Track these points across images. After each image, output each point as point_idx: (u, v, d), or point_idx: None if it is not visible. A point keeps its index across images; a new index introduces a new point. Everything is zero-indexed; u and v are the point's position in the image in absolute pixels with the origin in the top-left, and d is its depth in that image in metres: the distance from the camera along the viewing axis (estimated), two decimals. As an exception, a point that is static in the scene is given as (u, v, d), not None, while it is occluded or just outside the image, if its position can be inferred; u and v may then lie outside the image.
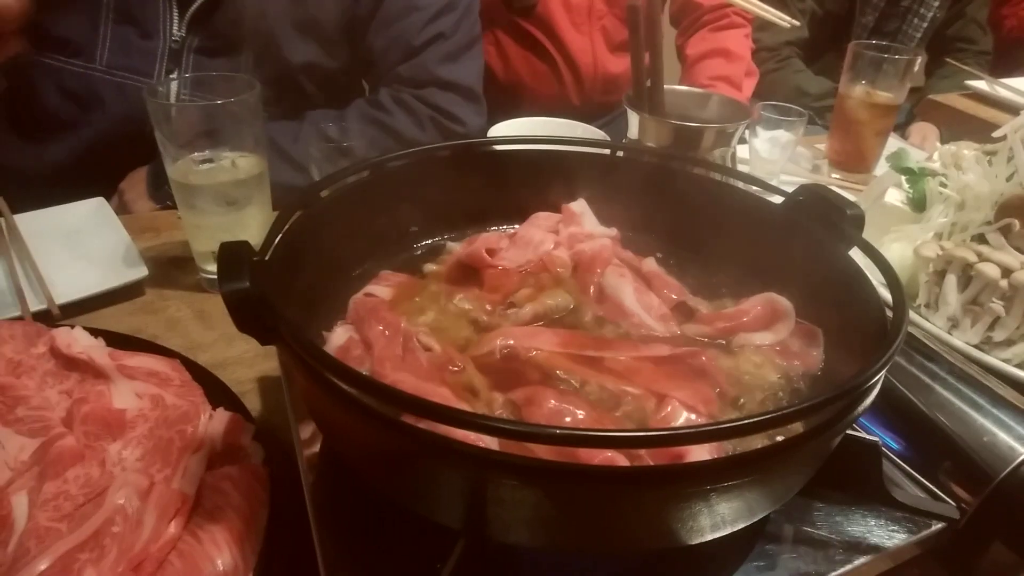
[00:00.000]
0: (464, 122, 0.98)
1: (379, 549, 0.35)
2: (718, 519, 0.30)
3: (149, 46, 0.85)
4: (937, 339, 0.60)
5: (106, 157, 0.87)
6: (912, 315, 0.63)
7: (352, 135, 0.73)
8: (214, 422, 0.44)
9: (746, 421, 0.27)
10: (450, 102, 0.96)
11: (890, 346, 0.32)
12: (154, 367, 0.49)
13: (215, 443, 0.43)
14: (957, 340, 0.61)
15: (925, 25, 1.62)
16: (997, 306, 0.59)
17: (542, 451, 0.29)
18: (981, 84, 1.31)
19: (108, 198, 0.81)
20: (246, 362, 0.59)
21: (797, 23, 0.95)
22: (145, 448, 0.44)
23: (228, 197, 0.63)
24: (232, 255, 0.33)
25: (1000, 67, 1.66)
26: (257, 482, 0.41)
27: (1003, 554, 0.41)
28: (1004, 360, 0.59)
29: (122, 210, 0.85)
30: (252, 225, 0.66)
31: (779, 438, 0.32)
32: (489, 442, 0.29)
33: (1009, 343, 0.60)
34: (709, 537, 0.31)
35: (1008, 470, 0.40)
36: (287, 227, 0.40)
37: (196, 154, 0.62)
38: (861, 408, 0.32)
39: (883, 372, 0.31)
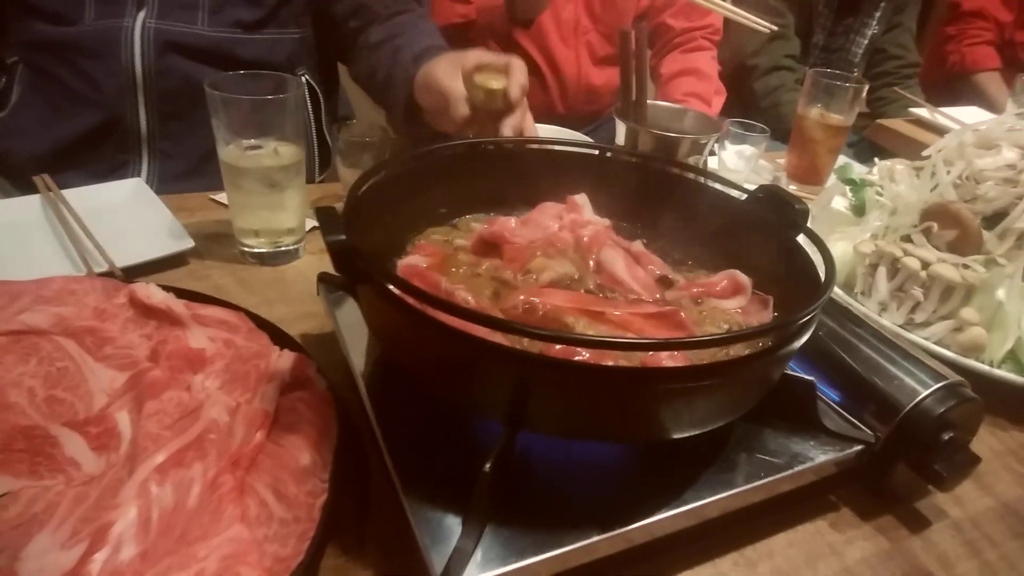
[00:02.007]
0: None
1: (433, 444, 0.45)
2: (692, 417, 0.41)
3: None
4: (870, 319, 0.72)
5: (109, 114, 0.95)
6: (850, 299, 0.76)
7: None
8: (282, 359, 0.54)
9: (705, 338, 0.38)
10: None
11: (822, 295, 0.43)
12: (223, 316, 0.59)
13: (284, 375, 0.53)
14: (886, 321, 0.73)
15: (866, 42, 1.81)
16: (918, 292, 0.72)
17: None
18: (923, 112, 1.46)
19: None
20: (287, 323, 0.67)
21: (774, 28, 1.08)
22: (224, 379, 0.53)
23: (271, 180, 0.72)
24: (330, 217, 0.42)
25: (943, 98, 1.83)
26: (325, 402, 0.50)
27: (905, 473, 0.53)
28: (924, 338, 0.71)
29: None
30: (290, 206, 0.75)
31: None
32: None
33: (927, 324, 0.72)
34: (688, 433, 0.42)
35: (911, 405, 0.51)
36: (354, 202, 0.49)
37: (245, 141, 0.71)
38: (795, 343, 0.43)
39: (814, 312, 0.42)
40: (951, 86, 2.12)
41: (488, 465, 0.40)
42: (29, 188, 0.82)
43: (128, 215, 0.80)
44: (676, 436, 0.42)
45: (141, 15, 0.93)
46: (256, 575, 0.38)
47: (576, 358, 0.40)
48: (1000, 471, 0.62)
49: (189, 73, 0.95)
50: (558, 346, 0.40)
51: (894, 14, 1.86)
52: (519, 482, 0.44)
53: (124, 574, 0.39)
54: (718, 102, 1.44)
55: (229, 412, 0.49)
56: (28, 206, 0.80)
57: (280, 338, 0.57)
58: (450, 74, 0.78)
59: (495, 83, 0.72)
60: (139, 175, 0.97)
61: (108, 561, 0.39)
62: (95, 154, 0.98)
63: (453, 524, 0.41)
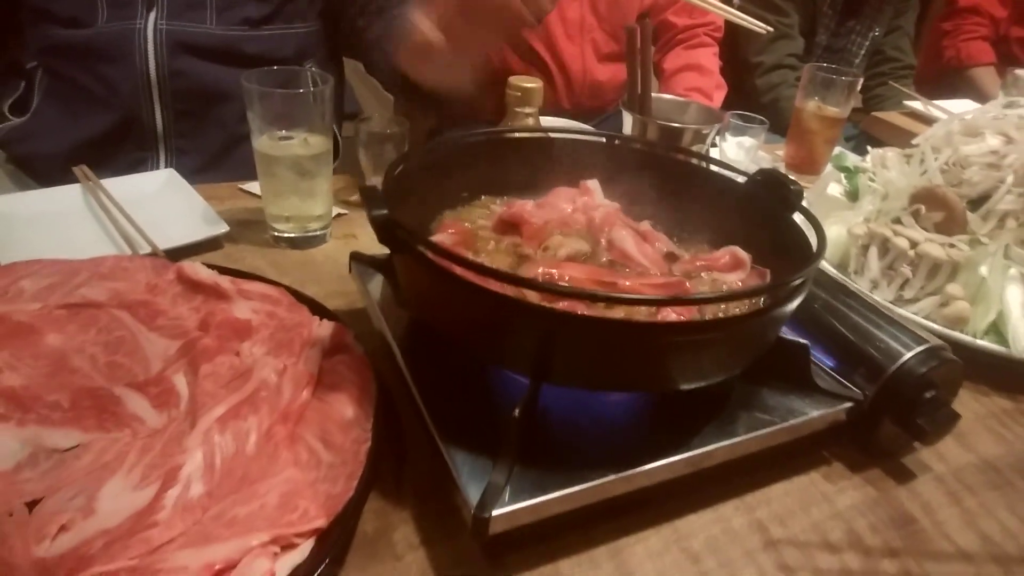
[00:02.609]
0: None
1: (464, 398, 0.51)
2: (697, 369, 0.47)
3: None
4: (861, 293, 0.77)
5: (126, 114, 1.00)
6: (844, 278, 0.81)
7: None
8: (322, 328, 0.59)
9: (706, 295, 0.43)
10: None
11: (814, 262, 0.48)
12: (265, 291, 0.64)
13: (325, 341, 0.58)
14: (878, 297, 0.78)
15: (867, 44, 1.87)
16: (906, 270, 0.77)
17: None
18: (917, 104, 1.51)
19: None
20: (318, 300, 0.73)
21: (770, 29, 1.13)
22: (270, 346, 0.58)
23: (301, 168, 0.77)
24: (374, 193, 0.47)
25: (938, 91, 1.88)
26: (363, 364, 0.56)
27: (891, 428, 0.58)
28: (913, 312, 0.76)
29: None
30: (319, 193, 0.80)
31: (739, 323, 0.48)
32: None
33: (915, 300, 0.77)
34: (693, 384, 0.47)
35: (896, 366, 0.56)
36: (391, 181, 0.54)
37: (277, 132, 0.76)
38: (789, 304, 0.48)
39: (807, 276, 0.47)
40: (948, 81, 2.17)
41: (517, 411, 0.45)
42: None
43: (163, 203, 0.85)
44: (683, 387, 0.47)
45: (152, 16, 0.98)
46: (313, 507, 0.43)
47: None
48: (981, 431, 0.67)
49: (201, 72, 1.00)
50: (581, 307, 0.45)
51: (894, 18, 1.91)
52: (542, 431, 0.49)
53: (194, 509, 0.44)
54: (719, 96, 1.49)
55: (277, 373, 0.54)
56: (69, 195, 0.85)
57: (318, 310, 0.62)
58: None
59: (529, 83, 0.78)
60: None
61: (179, 498, 0.45)
62: (114, 152, 1.02)
63: (485, 465, 0.46)
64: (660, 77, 1.56)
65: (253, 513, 0.43)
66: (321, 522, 0.43)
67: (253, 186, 0.93)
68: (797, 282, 0.47)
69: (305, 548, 0.42)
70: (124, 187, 0.86)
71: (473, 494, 0.43)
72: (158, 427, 0.52)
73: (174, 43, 0.99)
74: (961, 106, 1.51)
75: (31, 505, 0.45)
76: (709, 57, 1.52)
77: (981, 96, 1.93)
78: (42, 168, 1.03)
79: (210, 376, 0.54)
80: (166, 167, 1.03)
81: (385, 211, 0.46)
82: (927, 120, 1.46)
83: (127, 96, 0.99)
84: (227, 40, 1.02)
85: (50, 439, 0.50)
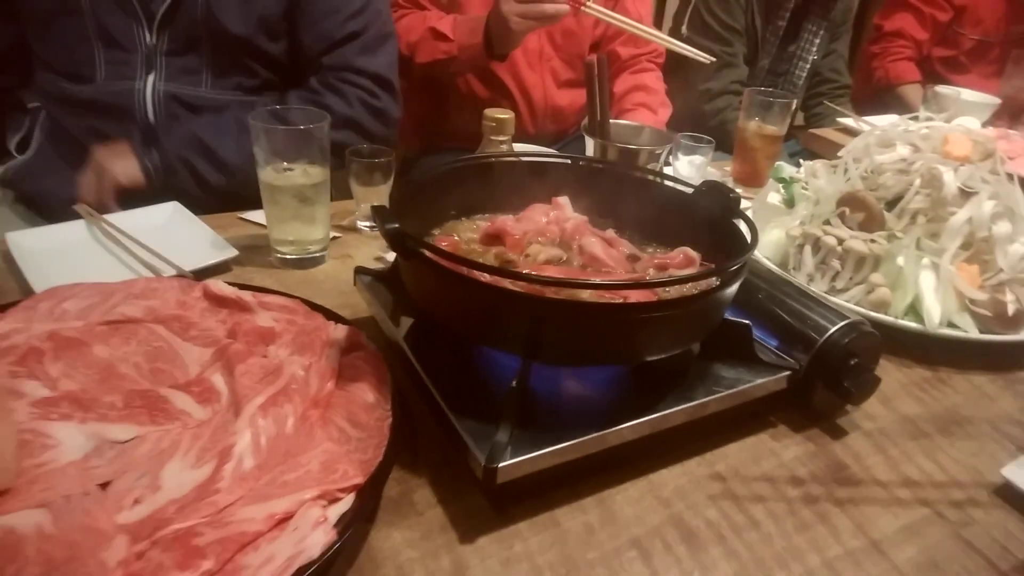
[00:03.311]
0: (384, 104, 1.19)
1: (466, 379, 0.60)
2: (660, 342, 0.57)
3: (131, 58, 1.09)
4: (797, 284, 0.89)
5: None
6: (784, 273, 0.92)
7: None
8: (338, 330, 0.68)
9: (662, 278, 0.53)
10: (370, 86, 1.17)
11: (746, 252, 0.59)
12: (282, 303, 0.73)
13: (342, 342, 0.67)
14: (814, 288, 0.90)
15: (808, 67, 2.04)
16: (836, 264, 0.89)
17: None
18: (849, 121, 1.67)
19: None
20: (324, 312, 0.82)
21: (713, 59, 1.27)
22: (293, 348, 0.67)
23: (302, 195, 0.87)
24: (385, 211, 0.57)
25: (873, 108, 2.05)
26: (378, 358, 0.65)
27: (823, 393, 0.69)
28: (844, 300, 0.88)
29: (95, 177, 1.02)
30: (319, 218, 0.89)
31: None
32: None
33: (846, 289, 0.89)
34: (657, 355, 0.58)
35: (823, 339, 0.68)
36: (395, 203, 0.64)
37: (280, 163, 0.86)
38: (732, 286, 0.59)
39: (743, 262, 0.58)
40: (879, 99, 2.35)
41: (514, 382, 0.55)
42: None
43: (172, 232, 0.93)
44: (648, 357, 0.58)
45: (151, 78, 1.08)
46: (351, 469, 0.52)
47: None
48: (904, 396, 0.78)
49: (197, 127, 1.10)
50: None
51: (830, 42, 2.09)
52: (534, 403, 0.59)
53: (248, 478, 0.53)
54: (664, 113, 1.64)
55: (304, 369, 0.63)
56: (75, 230, 0.92)
57: (331, 317, 0.71)
58: None
59: (502, 114, 0.89)
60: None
61: (235, 470, 0.53)
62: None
63: (489, 431, 0.55)
64: (611, 99, 1.70)
65: (300, 477, 0.52)
66: (359, 479, 0.52)
67: (252, 215, 1.02)
68: (736, 267, 0.58)
69: (348, 501, 0.51)
70: (132, 220, 0.94)
71: (482, 452, 0.53)
72: (204, 419, 0.60)
73: (171, 100, 1.08)
74: (887, 121, 1.66)
75: (103, 487, 0.53)
76: (653, 79, 1.68)
77: (909, 111, 2.11)
78: (49, 206, 1.10)
79: (245, 375, 0.63)
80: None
81: (397, 225, 0.56)
82: (858, 134, 1.61)
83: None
84: (220, 102, 1.11)
85: (111, 433, 0.58)
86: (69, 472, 0.54)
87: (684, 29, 2.01)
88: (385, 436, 0.56)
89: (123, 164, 1.02)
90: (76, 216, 0.93)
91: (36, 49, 1.07)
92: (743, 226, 0.69)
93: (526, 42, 1.56)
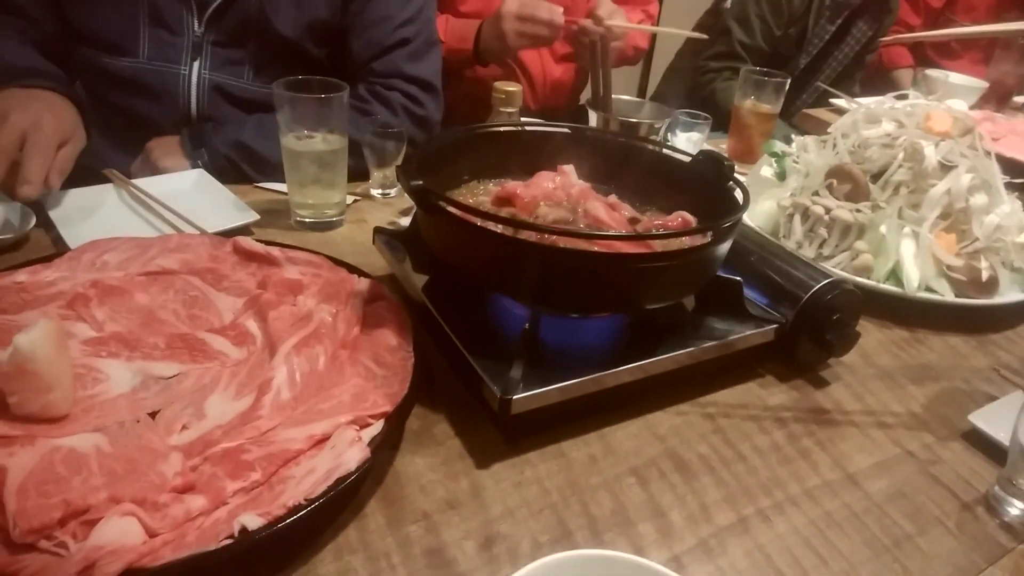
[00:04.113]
0: (427, 109, 1.23)
1: (481, 325, 0.66)
2: (658, 292, 0.63)
3: (177, 41, 1.12)
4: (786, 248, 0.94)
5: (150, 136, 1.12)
6: (774, 240, 0.98)
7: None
8: (361, 283, 0.73)
9: (660, 233, 0.59)
10: (414, 92, 1.20)
11: (739, 212, 0.65)
12: (308, 258, 0.78)
13: (365, 292, 0.72)
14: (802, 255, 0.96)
15: (840, 69, 2.05)
16: (823, 232, 0.95)
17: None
18: (841, 101, 1.72)
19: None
20: (343, 270, 0.87)
21: (706, 36, 1.30)
22: (320, 298, 0.72)
23: (322, 161, 0.92)
24: (409, 169, 0.63)
25: (870, 92, 2.10)
26: (399, 307, 0.70)
27: (807, 346, 0.75)
28: (831, 266, 0.94)
29: (146, 168, 1.07)
30: (337, 183, 0.94)
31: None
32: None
33: (832, 256, 0.95)
34: (657, 303, 0.64)
35: (808, 295, 0.74)
36: (416, 163, 0.69)
37: (302, 130, 0.91)
38: (724, 242, 0.64)
39: (736, 219, 0.64)
40: (874, 83, 2.40)
41: (527, 325, 0.60)
42: None
43: (196, 197, 0.98)
44: (648, 306, 0.64)
45: (196, 65, 1.12)
46: (380, 398, 0.58)
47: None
48: (882, 353, 0.84)
49: (236, 115, 1.14)
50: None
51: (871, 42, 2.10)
52: (543, 349, 0.64)
53: (286, 408, 0.59)
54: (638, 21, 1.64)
55: (331, 316, 0.68)
56: (105, 193, 0.97)
57: (354, 271, 0.77)
58: None
59: (511, 87, 0.94)
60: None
61: (274, 401, 0.59)
62: None
63: (502, 369, 0.60)
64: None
65: (334, 406, 0.58)
66: (388, 407, 0.57)
67: (269, 184, 1.07)
68: (729, 224, 0.63)
69: (377, 426, 0.57)
70: (159, 185, 0.99)
71: (498, 386, 0.58)
72: (241, 359, 0.66)
73: (214, 90, 1.13)
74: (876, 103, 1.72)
75: (152, 417, 0.59)
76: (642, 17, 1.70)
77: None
78: (79, 174, 1.14)
79: (277, 320, 0.68)
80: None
81: (420, 181, 0.62)
82: (849, 115, 1.67)
83: (167, 128, 1.12)
84: (262, 95, 1.15)
85: (156, 369, 0.63)
86: (120, 403, 0.60)
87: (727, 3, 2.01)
88: (409, 373, 0.62)
89: (173, 162, 1.06)
90: (105, 181, 0.98)
91: (73, 19, 1.10)
92: (737, 192, 0.74)
93: None
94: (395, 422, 0.58)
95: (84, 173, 1.10)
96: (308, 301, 0.72)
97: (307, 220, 0.96)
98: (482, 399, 0.61)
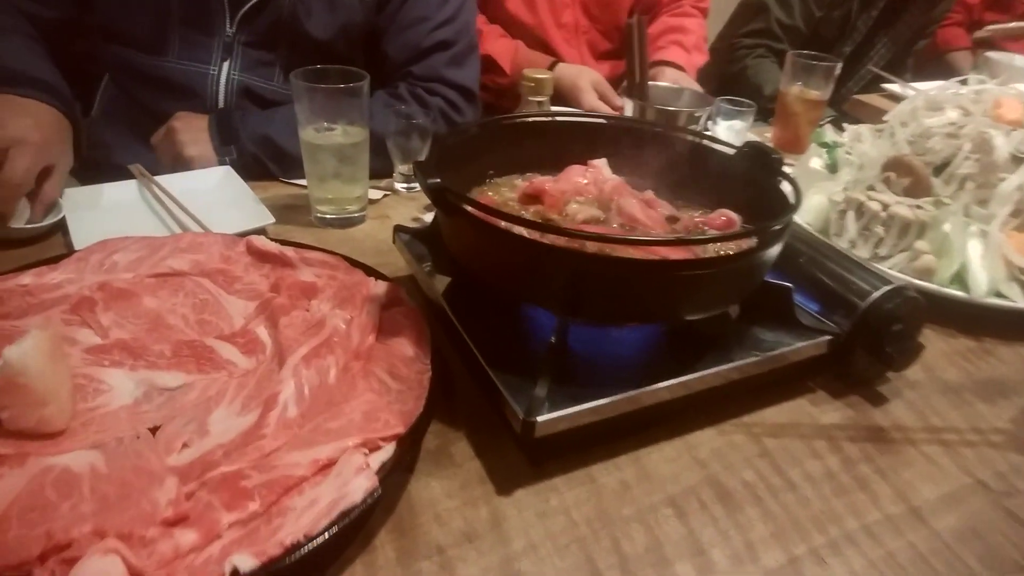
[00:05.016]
0: (464, 116, 1.18)
1: (504, 335, 0.61)
2: (699, 301, 0.57)
3: (208, 42, 1.09)
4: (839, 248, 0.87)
5: None
6: (825, 238, 0.91)
7: (376, 117, 0.91)
8: (378, 286, 0.69)
9: (704, 236, 0.53)
10: (454, 98, 1.16)
11: (791, 212, 0.58)
12: (324, 259, 0.74)
13: (381, 297, 0.68)
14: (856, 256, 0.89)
15: (889, 56, 1.94)
16: (880, 230, 0.87)
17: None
18: (895, 87, 1.62)
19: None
20: (363, 270, 0.83)
21: None
22: (335, 303, 0.68)
23: (342, 155, 0.87)
24: (426, 167, 0.57)
25: (922, 77, 1.98)
26: (417, 313, 0.65)
27: (864, 359, 0.68)
28: (887, 267, 0.86)
29: (167, 146, 1.02)
30: (358, 177, 0.90)
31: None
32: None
33: (889, 256, 0.87)
34: (697, 315, 0.57)
35: (866, 303, 0.67)
36: (435, 159, 0.64)
37: (322, 123, 0.86)
38: (773, 246, 0.58)
39: (787, 222, 0.57)
40: (927, 67, 2.27)
41: (553, 338, 0.55)
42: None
43: (218, 196, 0.94)
44: (688, 317, 0.57)
45: (226, 66, 1.08)
46: (392, 418, 0.53)
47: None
48: (947, 366, 0.77)
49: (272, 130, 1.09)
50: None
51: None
52: (572, 361, 0.59)
53: (292, 425, 0.54)
54: (698, 57, 1.54)
55: (345, 322, 0.64)
56: (126, 190, 0.94)
57: (371, 273, 0.72)
58: None
59: (540, 74, 0.89)
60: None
61: (280, 417, 0.54)
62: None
63: (527, 386, 0.55)
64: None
65: (343, 425, 0.53)
66: (400, 429, 0.53)
67: (292, 179, 1.03)
68: (778, 227, 0.57)
69: (389, 449, 0.52)
70: (184, 182, 0.95)
71: (521, 406, 0.53)
72: (250, 368, 0.61)
73: (243, 91, 1.09)
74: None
75: (153, 432, 0.55)
76: (693, 24, 1.59)
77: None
78: (101, 169, 1.12)
79: (288, 327, 0.64)
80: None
81: (438, 180, 0.56)
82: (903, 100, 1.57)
83: None
84: (291, 98, 1.11)
85: (160, 380, 0.60)
86: (121, 416, 0.56)
87: None
88: (425, 388, 0.57)
89: (199, 151, 1.02)
90: (130, 176, 0.95)
91: (104, 16, 1.07)
92: (786, 188, 0.67)
93: (559, 16, 1.54)
94: (408, 444, 0.53)
95: (110, 169, 1.08)
96: (322, 306, 0.68)
97: (327, 216, 0.91)
98: (504, 417, 0.56)
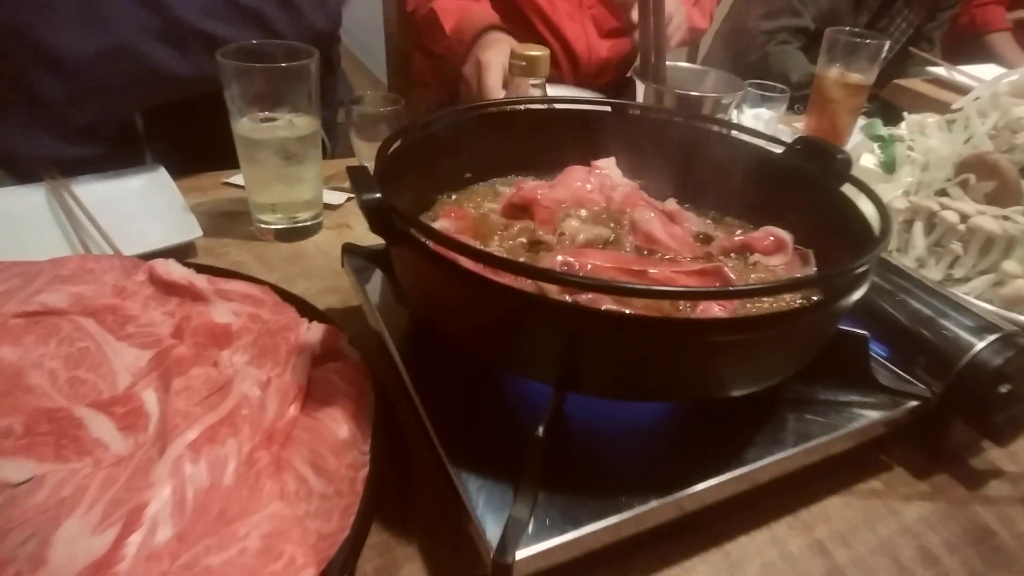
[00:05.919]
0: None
1: (476, 411, 0.44)
2: (747, 373, 0.39)
3: None
4: (913, 272, 0.70)
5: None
6: (903, 264, 0.73)
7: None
8: (312, 331, 0.52)
9: (757, 287, 0.36)
10: None
11: (878, 245, 0.41)
12: (247, 291, 0.57)
13: (315, 347, 0.51)
14: (930, 277, 0.71)
15: (911, 30, 1.76)
16: (957, 247, 0.69)
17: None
18: (940, 70, 1.43)
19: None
20: (310, 298, 0.65)
21: None
22: (253, 354, 0.51)
23: (287, 152, 0.70)
24: (363, 175, 0.40)
25: (957, 60, 1.80)
26: (359, 373, 0.48)
27: (961, 429, 0.51)
28: (964, 293, 0.69)
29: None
30: (307, 178, 0.73)
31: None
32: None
33: (967, 279, 0.70)
34: (742, 391, 0.40)
35: (966, 359, 0.49)
36: (384, 160, 0.47)
37: (259, 113, 0.69)
38: (853, 295, 0.40)
39: (871, 261, 0.40)
40: (964, 49, 2.08)
41: (540, 429, 0.38)
42: None
43: (140, 202, 0.77)
44: (731, 394, 0.40)
45: None
46: (301, 553, 0.37)
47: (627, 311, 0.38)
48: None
49: None
50: (605, 304, 0.38)
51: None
52: (569, 449, 0.42)
53: (162, 557, 0.37)
54: (699, 19, 1.42)
55: (260, 386, 0.47)
56: (30, 195, 0.77)
57: (307, 311, 0.55)
58: None
59: (534, 51, 0.71)
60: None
61: (143, 544, 0.38)
62: (98, 157, 0.93)
63: (504, 493, 0.39)
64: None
65: (230, 561, 0.36)
66: (310, 572, 0.36)
67: (237, 178, 0.86)
68: (861, 269, 0.39)
69: (294, 602, 0.35)
70: (104, 186, 0.78)
71: (492, 531, 0.36)
72: (124, 454, 0.45)
73: None
74: (986, 71, 1.42)
75: (-25, 552, 0.38)
76: None
77: (1000, 62, 1.84)
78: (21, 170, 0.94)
79: (183, 392, 0.47)
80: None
81: (378, 195, 0.39)
82: (951, 86, 1.38)
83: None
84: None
85: (2, 471, 0.43)
86: (-68, 531, 0.40)
87: None
88: (357, 495, 0.40)
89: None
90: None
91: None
92: (867, 204, 0.50)
93: None
94: (326, 589, 0.36)
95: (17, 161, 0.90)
96: (235, 359, 0.51)
97: (271, 227, 0.74)
98: (469, 537, 0.39)
